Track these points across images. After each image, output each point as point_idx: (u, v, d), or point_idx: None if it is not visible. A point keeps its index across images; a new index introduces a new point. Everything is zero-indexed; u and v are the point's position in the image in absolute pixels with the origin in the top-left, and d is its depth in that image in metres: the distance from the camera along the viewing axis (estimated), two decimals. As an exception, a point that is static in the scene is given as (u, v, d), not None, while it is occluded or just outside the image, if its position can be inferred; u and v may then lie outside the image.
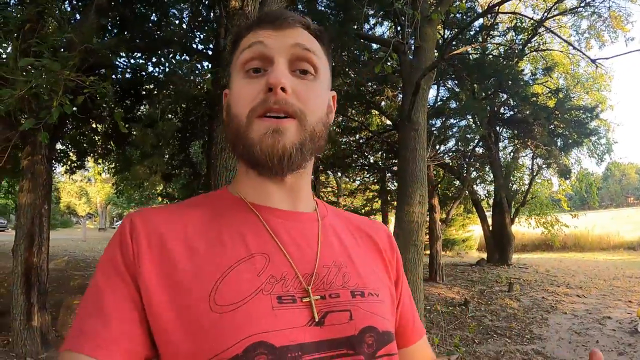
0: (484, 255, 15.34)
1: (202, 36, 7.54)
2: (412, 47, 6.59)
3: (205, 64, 7.15)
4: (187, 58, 6.58)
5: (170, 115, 7.40)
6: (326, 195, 17.12)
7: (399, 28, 8.01)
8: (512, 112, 12.51)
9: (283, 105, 0.69)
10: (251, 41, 0.74)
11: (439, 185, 13.53)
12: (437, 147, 11.78)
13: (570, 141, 11.65)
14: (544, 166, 13.87)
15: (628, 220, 28.07)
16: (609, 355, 5.15)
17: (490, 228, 14.39)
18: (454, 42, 9.46)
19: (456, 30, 9.09)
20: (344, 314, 0.68)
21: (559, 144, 11.78)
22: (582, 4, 11.10)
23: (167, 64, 6.42)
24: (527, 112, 10.88)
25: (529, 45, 12.33)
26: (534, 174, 14.20)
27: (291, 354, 0.61)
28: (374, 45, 9.08)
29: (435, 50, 7.01)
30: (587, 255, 17.96)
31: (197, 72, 6.42)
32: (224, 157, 3.35)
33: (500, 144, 13.99)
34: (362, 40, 7.85)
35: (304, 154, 0.71)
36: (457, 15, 9.91)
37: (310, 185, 0.84)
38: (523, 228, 16.90)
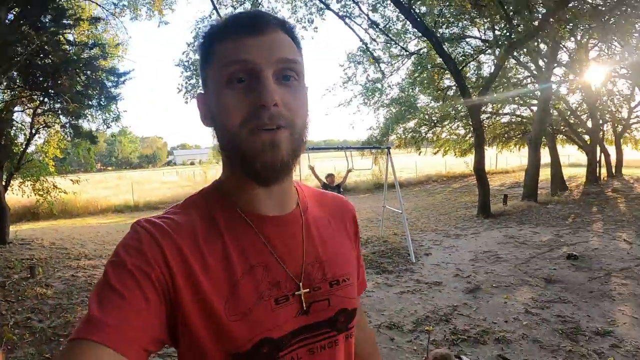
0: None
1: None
2: None
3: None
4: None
5: None
6: None
7: None
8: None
9: (276, 120, 0.74)
10: (235, 57, 0.76)
11: None
12: None
13: (93, 102, 10.59)
14: (54, 125, 12.20)
15: (104, 185, 29.12)
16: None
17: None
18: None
19: None
20: (324, 302, 0.86)
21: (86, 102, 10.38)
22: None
23: None
24: (56, 60, 9.13)
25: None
26: (34, 132, 12.21)
27: (285, 340, 0.80)
28: None
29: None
30: (77, 221, 17.08)
31: None
32: None
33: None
34: None
35: (295, 158, 0.79)
36: None
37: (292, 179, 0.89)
38: (15, 196, 14.42)
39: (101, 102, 10.75)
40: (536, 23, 11.90)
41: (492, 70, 17.73)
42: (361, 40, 13.83)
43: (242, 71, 0.75)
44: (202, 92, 0.85)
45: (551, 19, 11.80)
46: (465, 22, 15.37)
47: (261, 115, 0.74)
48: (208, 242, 0.79)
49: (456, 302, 5.80)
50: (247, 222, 0.83)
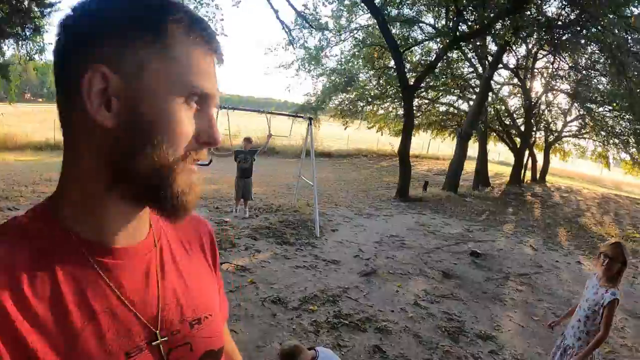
0: None
1: None
2: None
3: None
4: None
5: None
6: None
7: None
8: None
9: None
10: (205, 78, 0.64)
11: None
12: None
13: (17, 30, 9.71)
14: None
15: (30, 119, 27.33)
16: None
17: None
18: None
19: None
20: (185, 347, 0.72)
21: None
22: None
23: None
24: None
25: None
26: None
27: None
28: None
29: None
30: (-5, 156, 15.70)
31: None
32: None
33: None
34: None
35: None
36: None
37: None
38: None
39: (25, 33, 9.81)
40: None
41: (445, 59, 17.96)
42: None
43: (200, 96, 0.64)
44: (115, 70, 0.59)
45: (500, 21, 11.94)
46: (421, 6, 15.29)
47: (204, 152, 0.68)
48: (35, 285, 0.60)
49: (348, 284, 5.61)
50: (88, 257, 0.65)
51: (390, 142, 25.83)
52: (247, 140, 8.90)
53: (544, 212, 14.65)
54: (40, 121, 25.85)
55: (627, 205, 21.17)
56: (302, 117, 10.51)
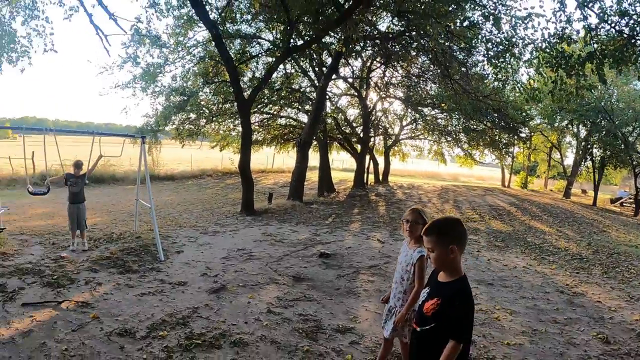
0: None
1: None
2: None
3: None
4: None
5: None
6: None
7: None
8: None
9: None
10: None
11: None
12: None
13: None
14: None
15: None
16: None
17: None
18: None
19: None
20: None
21: None
22: None
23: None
24: None
25: None
26: None
27: None
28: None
29: None
30: None
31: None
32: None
33: None
34: None
35: None
36: None
37: None
38: None
39: None
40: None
41: (284, 73, 18.27)
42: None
43: None
44: None
45: (332, 33, 12.40)
46: (260, 23, 15.47)
47: None
48: None
49: (198, 304, 5.29)
50: None
51: (230, 158, 25.78)
52: (76, 165, 7.96)
53: (388, 209, 15.49)
54: None
55: (464, 192, 23.50)
56: (133, 136, 9.87)
